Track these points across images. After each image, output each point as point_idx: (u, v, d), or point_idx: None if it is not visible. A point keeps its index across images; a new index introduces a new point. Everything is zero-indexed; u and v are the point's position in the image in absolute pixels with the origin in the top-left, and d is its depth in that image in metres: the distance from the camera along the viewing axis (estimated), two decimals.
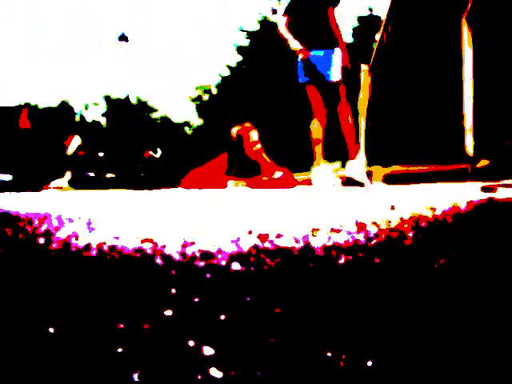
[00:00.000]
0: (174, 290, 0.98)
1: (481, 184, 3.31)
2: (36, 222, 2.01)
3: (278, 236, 1.62)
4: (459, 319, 0.75)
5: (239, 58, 34.02)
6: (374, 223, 1.81)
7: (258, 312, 0.82)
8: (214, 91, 36.56)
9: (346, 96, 5.73)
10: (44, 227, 1.87)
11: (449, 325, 0.73)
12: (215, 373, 0.58)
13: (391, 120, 9.67)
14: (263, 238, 1.60)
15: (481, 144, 6.33)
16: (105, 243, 1.56)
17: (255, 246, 1.46)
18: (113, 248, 1.48)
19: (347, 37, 29.20)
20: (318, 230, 1.71)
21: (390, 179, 6.72)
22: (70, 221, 2.05)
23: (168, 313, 0.83)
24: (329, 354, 0.63)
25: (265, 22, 30.00)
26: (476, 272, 1.07)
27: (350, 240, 1.52)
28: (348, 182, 5.59)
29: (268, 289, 0.98)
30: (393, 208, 2.29)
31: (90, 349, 0.67)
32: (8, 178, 13.25)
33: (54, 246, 1.54)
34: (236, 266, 1.20)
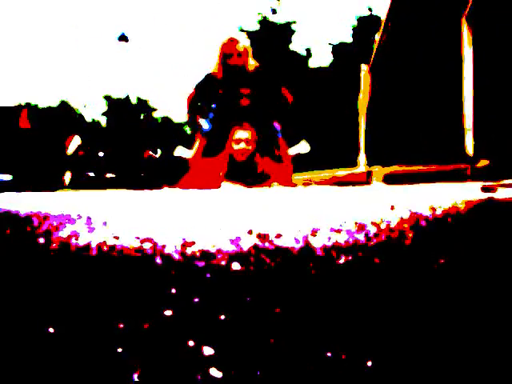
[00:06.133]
0: (173, 290, 0.98)
1: (481, 184, 3.31)
2: (36, 222, 2.01)
3: (278, 236, 1.62)
4: (459, 319, 0.75)
5: None
6: (374, 223, 1.81)
7: (257, 312, 0.82)
8: None
9: None
10: (44, 227, 1.87)
11: (448, 324, 0.73)
12: (215, 373, 0.58)
13: (391, 120, 9.67)
14: (263, 237, 1.60)
15: (481, 144, 6.33)
16: (105, 243, 1.56)
17: (255, 246, 1.46)
18: (113, 248, 1.48)
19: (347, 37, 29.17)
20: (317, 229, 1.71)
21: (390, 179, 6.72)
22: (70, 221, 2.05)
23: (168, 313, 0.83)
24: (328, 354, 0.63)
25: (265, 22, 30.00)
26: (476, 272, 1.07)
27: (350, 240, 1.52)
28: None
29: (268, 289, 0.98)
30: (393, 208, 2.29)
31: (90, 349, 0.67)
32: (8, 177, 13.24)
33: (53, 245, 1.54)
34: (236, 266, 1.20)
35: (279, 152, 5.25)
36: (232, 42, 5.01)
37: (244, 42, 5.08)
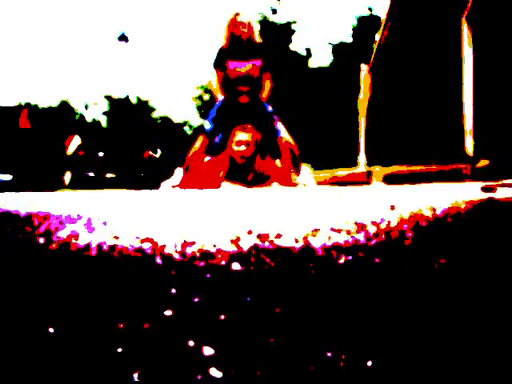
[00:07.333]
0: (174, 290, 0.98)
1: (481, 184, 3.31)
2: (36, 222, 2.01)
3: (278, 236, 1.62)
4: (459, 319, 0.75)
5: None
6: (374, 223, 1.81)
7: (257, 312, 0.82)
8: None
9: None
10: (44, 227, 1.87)
11: (449, 323, 0.73)
12: (215, 373, 0.58)
13: (391, 120, 9.67)
14: (263, 237, 1.60)
15: (481, 144, 6.33)
16: (105, 243, 1.56)
17: (255, 246, 1.46)
18: (113, 248, 1.48)
19: (347, 37, 29.16)
20: (318, 229, 1.71)
21: (390, 179, 6.72)
22: (70, 221, 2.05)
23: (168, 313, 0.83)
24: (329, 354, 0.63)
25: (265, 22, 30.00)
26: (476, 271, 1.07)
27: (350, 240, 1.52)
28: None
29: (268, 289, 0.98)
30: (393, 208, 2.29)
31: (90, 348, 0.67)
32: (8, 177, 13.24)
33: (53, 245, 1.54)
34: (236, 266, 1.20)
35: (279, 152, 5.25)
36: (237, 14, 5.33)
37: (250, 16, 5.46)
